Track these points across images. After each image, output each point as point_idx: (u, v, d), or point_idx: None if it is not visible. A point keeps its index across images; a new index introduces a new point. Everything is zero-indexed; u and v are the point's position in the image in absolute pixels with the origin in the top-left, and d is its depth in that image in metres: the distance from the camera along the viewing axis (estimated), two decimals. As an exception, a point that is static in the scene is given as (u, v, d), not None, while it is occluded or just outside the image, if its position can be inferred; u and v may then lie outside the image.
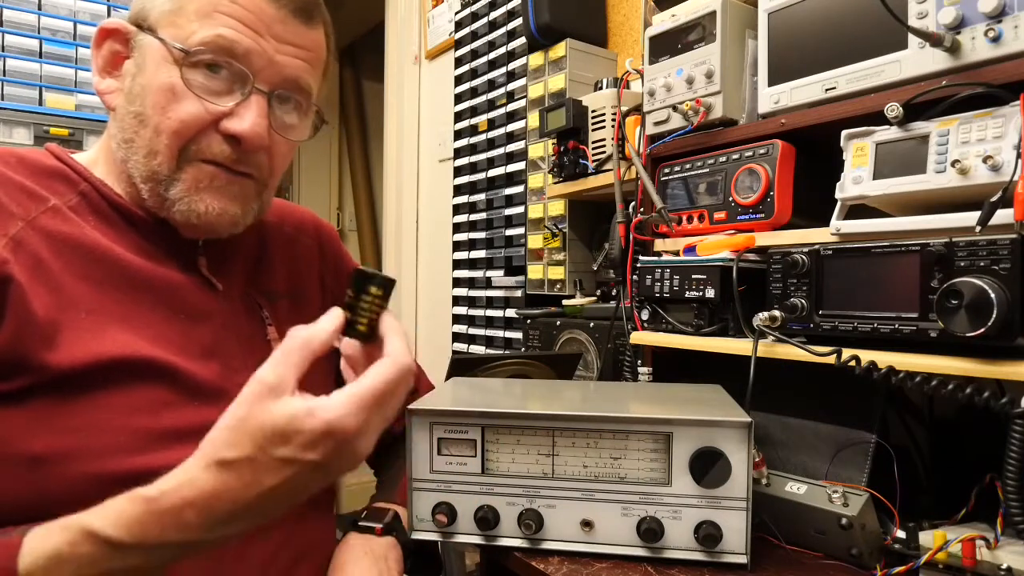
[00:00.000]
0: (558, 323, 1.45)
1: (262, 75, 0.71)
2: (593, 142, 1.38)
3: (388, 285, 0.60)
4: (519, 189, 1.87)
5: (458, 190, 2.19)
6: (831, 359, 0.79)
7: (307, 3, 0.73)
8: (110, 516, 0.52)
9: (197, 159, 0.70)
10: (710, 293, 0.98)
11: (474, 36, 2.13)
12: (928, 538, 0.74)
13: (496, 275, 1.99)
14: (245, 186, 0.74)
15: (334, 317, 0.58)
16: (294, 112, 0.76)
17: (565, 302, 1.54)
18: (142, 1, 0.71)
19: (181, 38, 0.68)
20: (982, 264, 0.69)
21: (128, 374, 0.65)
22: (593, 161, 1.37)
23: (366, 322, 0.59)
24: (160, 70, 0.68)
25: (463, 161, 2.16)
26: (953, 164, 0.75)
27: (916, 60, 0.81)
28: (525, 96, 1.81)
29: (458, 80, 2.21)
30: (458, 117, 2.20)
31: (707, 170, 1.07)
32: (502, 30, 1.99)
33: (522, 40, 1.88)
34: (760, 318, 0.89)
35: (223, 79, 0.69)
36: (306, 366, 0.55)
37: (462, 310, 2.15)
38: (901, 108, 0.80)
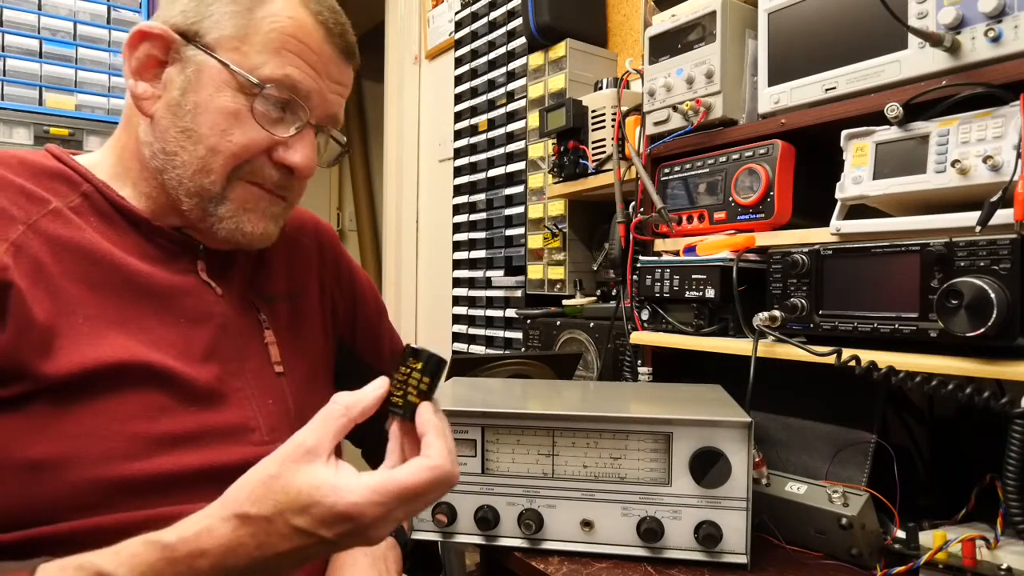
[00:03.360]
0: (558, 323, 1.45)
1: (315, 112, 0.74)
2: (593, 142, 1.38)
3: (436, 365, 0.59)
4: (519, 189, 1.87)
5: (458, 190, 2.19)
6: (831, 359, 0.79)
7: (352, 44, 0.77)
8: (125, 561, 0.52)
9: (245, 180, 0.73)
10: (710, 293, 0.98)
11: (474, 36, 2.13)
12: (928, 538, 0.75)
13: (496, 275, 1.99)
14: (281, 207, 0.78)
15: (378, 386, 0.58)
16: (325, 140, 0.80)
17: (565, 302, 1.54)
18: (196, 14, 0.70)
19: (247, 67, 0.69)
20: (982, 264, 0.69)
21: (126, 379, 0.65)
22: (593, 161, 1.37)
23: (405, 402, 0.59)
24: (222, 93, 0.69)
25: (463, 161, 2.16)
26: (953, 164, 0.75)
27: (916, 60, 0.81)
28: (525, 96, 1.81)
29: (458, 80, 2.21)
30: (458, 117, 2.20)
31: (707, 170, 1.07)
32: (502, 30, 1.99)
33: (522, 40, 1.88)
34: (760, 318, 0.89)
35: (282, 111, 0.72)
36: (345, 433, 0.56)
37: (462, 310, 2.16)
38: (901, 108, 0.80)
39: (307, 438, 0.54)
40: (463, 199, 2.16)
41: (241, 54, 0.69)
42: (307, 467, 0.53)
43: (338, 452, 0.60)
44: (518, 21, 1.90)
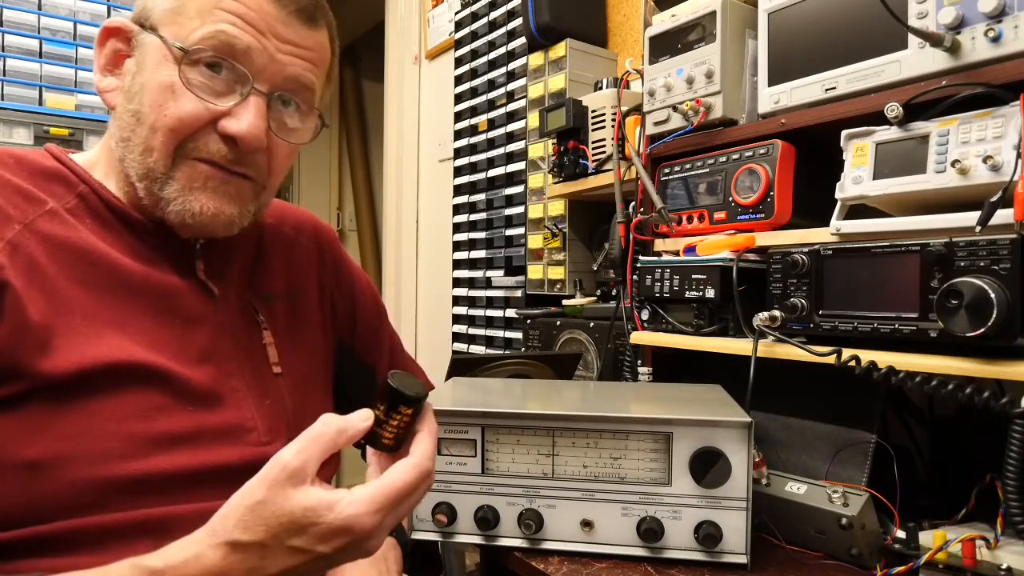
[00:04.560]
0: (558, 323, 1.45)
1: (262, 75, 0.70)
2: (593, 142, 1.38)
3: (419, 404, 0.59)
4: (519, 189, 1.87)
5: (458, 190, 2.19)
6: (831, 359, 0.79)
7: (310, 4, 0.72)
8: None
9: (192, 157, 0.70)
10: (710, 293, 0.98)
11: (474, 36, 2.13)
12: (928, 538, 0.75)
13: (496, 275, 1.99)
14: (242, 187, 0.73)
15: (365, 417, 0.57)
16: (295, 114, 0.75)
17: (565, 302, 1.54)
18: (143, 1, 0.71)
19: (181, 36, 0.67)
20: (982, 264, 0.69)
21: (122, 379, 0.65)
22: (593, 161, 1.37)
23: (391, 437, 0.58)
24: (160, 68, 0.68)
25: (463, 161, 2.16)
26: (953, 164, 0.75)
27: (916, 60, 0.81)
28: (525, 96, 1.81)
29: (458, 80, 2.21)
30: (458, 117, 2.20)
31: (707, 170, 1.07)
32: (502, 30, 1.99)
33: (522, 40, 1.88)
34: (760, 318, 0.89)
35: (223, 79, 0.69)
36: (328, 455, 0.55)
37: (462, 310, 2.15)
38: (901, 108, 0.80)
39: (292, 459, 0.53)
40: (463, 199, 2.16)
41: (178, 25, 0.68)
42: (294, 491, 0.52)
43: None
44: (518, 21, 1.90)
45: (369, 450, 0.61)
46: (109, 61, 0.73)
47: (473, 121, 2.12)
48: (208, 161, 0.70)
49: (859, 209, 0.88)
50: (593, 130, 1.38)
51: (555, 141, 1.49)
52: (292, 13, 0.71)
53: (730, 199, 1.02)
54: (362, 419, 0.57)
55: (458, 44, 2.21)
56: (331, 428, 0.55)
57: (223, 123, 0.69)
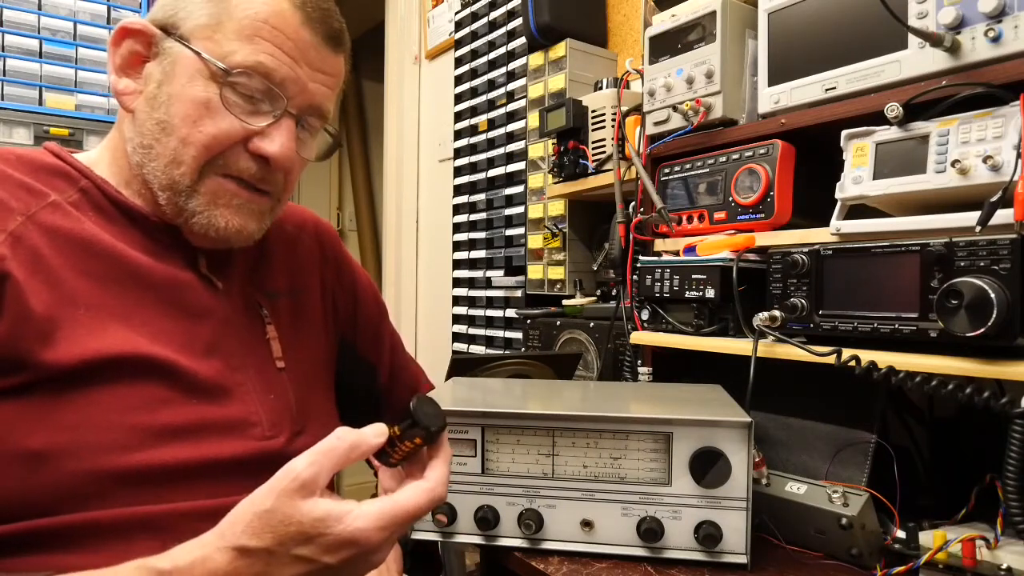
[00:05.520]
0: (558, 323, 1.45)
1: (294, 100, 0.72)
2: (593, 142, 1.38)
3: (436, 437, 0.59)
4: (519, 189, 1.87)
5: (458, 190, 2.19)
6: (831, 359, 0.79)
7: (338, 30, 0.74)
8: None
9: (220, 173, 0.71)
10: (710, 293, 0.98)
11: (474, 36, 2.13)
12: (928, 538, 0.74)
13: (496, 275, 1.99)
14: (263, 203, 0.75)
15: (379, 433, 0.57)
16: (307, 131, 0.77)
17: (565, 302, 1.54)
18: (172, 7, 0.71)
19: (219, 55, 0.68)
20: (982, 264, 0.69)
21: (126, 371, 0.65)
22: (593, 161, 1.37)
23: (400, 458, 0.59)
24: (194, 83, 0.68)
25: (463, 161, 2.16)
26: (953, 164, 0.75)
27: (916, 60, 0.81)
28: (525, 96, 1.81)
29: (458, 80, 2.21)
30: (458, 117, 2.20)
31: (707, 170, 1.07)
32: (502, 30, 1.99)
33: (522, 40, 1.88)
34: (760, 318, 0.89)
35: (257, 99, 0.70)
36: (340, 468, 0.56)
37: (462, 310, 2.15)
38: (901, 108, 0.80)
39: (304, 471, 0.53)
40: (463, 199, 2.16)
41: (214, 42, 0.68)
42: (303, 502, 0.52)
43: None
44: (518, 21, 1.90)
45: (381, 474, 0.62)
46: (125, 62, 0.72)
47: (473, 121, 2.12)
48: (235, 177, 0.72)
49: (859, 209, 0.88)
50: (593, 130, 1.38)
51: (555, 141, 1.49)
52: (324, 39, 0.73)
53: (730, 199, 1.02)
54: (376, 435, 0.57)
55: (458, 44, 2.21)
56: (344, 443, 0.55)
57: (256, 142, 0.71)
